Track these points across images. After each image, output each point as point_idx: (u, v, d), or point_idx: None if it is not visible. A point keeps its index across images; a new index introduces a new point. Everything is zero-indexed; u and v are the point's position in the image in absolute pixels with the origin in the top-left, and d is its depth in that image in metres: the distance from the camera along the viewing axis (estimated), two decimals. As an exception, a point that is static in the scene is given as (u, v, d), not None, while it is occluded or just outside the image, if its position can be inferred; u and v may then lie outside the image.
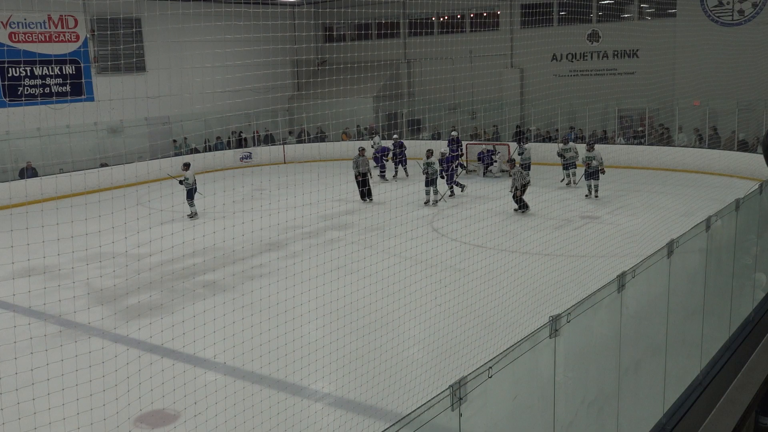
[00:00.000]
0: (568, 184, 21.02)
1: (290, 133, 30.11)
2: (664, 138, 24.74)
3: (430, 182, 19.05)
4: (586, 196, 19.30)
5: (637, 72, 26.44)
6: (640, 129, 25.50)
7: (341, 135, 29.76)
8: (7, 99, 23.95)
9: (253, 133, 29.26)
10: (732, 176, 21.02)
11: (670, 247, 6.27)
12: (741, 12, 24.14)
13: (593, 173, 19.06)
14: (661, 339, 6.43)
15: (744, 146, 22.32)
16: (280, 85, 30.51)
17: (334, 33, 34.79)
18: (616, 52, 27.24)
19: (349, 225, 16.99)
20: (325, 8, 32.08)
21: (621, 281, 5.46)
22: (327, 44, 34.14)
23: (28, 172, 22.36)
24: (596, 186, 19.18)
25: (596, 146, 19.80)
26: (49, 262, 11.20)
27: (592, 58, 27.79)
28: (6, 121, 22.81)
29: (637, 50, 26.69)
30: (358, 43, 32.81)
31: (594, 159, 19.02)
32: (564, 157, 20.81)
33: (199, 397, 7.68)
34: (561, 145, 21.39)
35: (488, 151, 23.99)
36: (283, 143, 29.10)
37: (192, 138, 27.09)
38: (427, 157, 19.44)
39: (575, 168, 20.84)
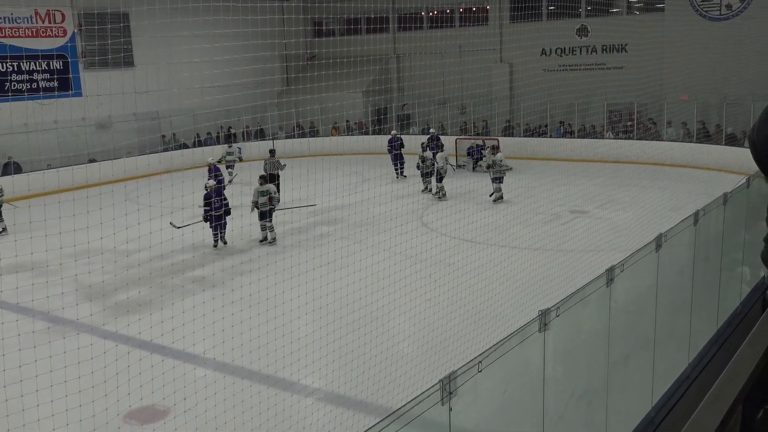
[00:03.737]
0: (496, 200, 18.93)
1: (281, 128, 30.05)
2: (652, 132, 24.84)
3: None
4: (495, 199, 18.83)
5: (626, 66, 26.50)
6: (628, 123, 25.60)
7: (331, 130, 29.72)
8: (-7, 94, 23.76)
9: (243, 128, 29.18)
10: (720, 170, 21.13)
11: (659, 242, 6.31)
12: (729, 6, 24.23)
13: (499, 177, 18.75)
14: (650, 333, 6.47)
15: (732, 140, 22.45)
16: (269, 80, 30.36)
17: (324, 28, 34.72)
18: (604, 47, 27.30)
19: (338, 220, 16.98)
20: (314, 3, 31.95)
21: (609, 275, 5.49)
22: (316, 39, 34.06)
23: (11, 167, 22.19)
24: (499, 188, 18.80)
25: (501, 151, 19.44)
26: (37, 258, 11.12)
27: (581, 52, 27.84)
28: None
29: (626, 45, 26.77)
30: (348, 37, 32.71)
31: (497, 163, 18.74)
32: (493, 170, 19.06)
33: (189, 392, 7.66)
34: (490, 154, 19.54)
35: (477, 146, 24.01)
36: (273, 138, 29.00)
37: (181, 133, 26.98)
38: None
39: (501, 183, 18.93)
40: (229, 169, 23.39)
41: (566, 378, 5.39)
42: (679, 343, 7.21)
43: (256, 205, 15.50)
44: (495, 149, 19.86)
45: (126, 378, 7.90)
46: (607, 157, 23.35)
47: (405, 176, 22.60)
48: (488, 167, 19.26)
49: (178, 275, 12.78)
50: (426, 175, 20.50)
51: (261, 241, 15.58)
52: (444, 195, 19.67)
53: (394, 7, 31.58)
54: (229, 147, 24.41)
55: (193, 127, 26.37)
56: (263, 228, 15.69)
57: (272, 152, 20.60)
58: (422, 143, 21.46)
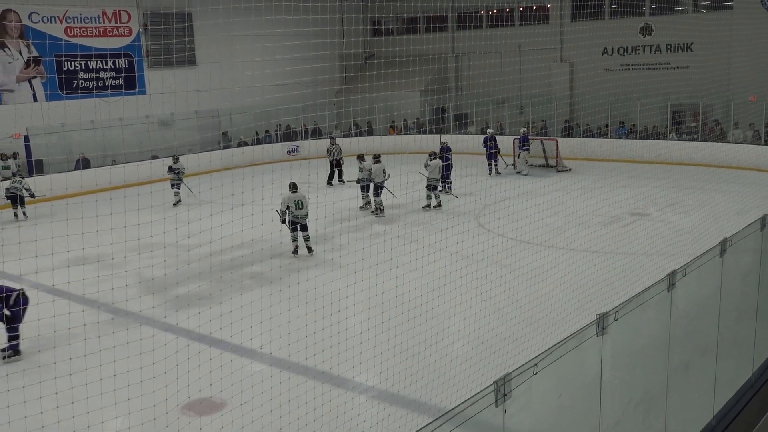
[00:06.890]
0: (433, 207, 17.90)
1: (337, 126, 30.27)
2: (717, 134, 24.15)
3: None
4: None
5: (691, 66, 25.82)
6: (693, 125, 24.94)
7: (388, 129, 29.79)
8: (64, 92, 24.61)
9: (301, 126, 29.49)
10: (789, 174, 20.44)
11: (723, 246, 6.14)
12: (801, 4, 23.39)
13: (430, 185, 17.63)
14: (712, 340, 6.31)
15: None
16: (327, 78, 30.66)
17: (382, 27, 34.84)
18: (669, 46, 26.66)
19: (394, 219, 17.01)
20: (373, 2, 32.12)
21: (671, 280, 5.37)
22: (375, 38, 34.20)
23: (81, 163, 22.95)
24: (428, 196, 17.70)
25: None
26: (103, 251, 11.48)
27: (644, 51, 27.25)
28: (63, 113, 23.46)
29: (691, 44, 26.08)
30: (406, 36, 32.77)
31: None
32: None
33: (245, 386, 7.80)
34: (428, 159, 18.13)
35: (522, 137, 23.26)
36: (331, 137, 29.26)
37: (240, 131, 27.45)
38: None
39: (433, 191, 17.67)
40: (175, 189, 19.67)
41: (624, 383, 5.29)
42: (742, 351, 7.00)
43: (284, 215, 13.97)
44: (432, 155, 18.13)
45: (185, 370, 8.09)
46: (670, 159, 22.80)
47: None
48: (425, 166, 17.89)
49: (236, 270, 13.00)
50: (365, 189, 17.92)
51: (294, 252, 14.00)
52: (382, 211, 17.32)
53: (453, 6, 31.45)
54: (175, 162, 19.97)
55: (252, 124, 26.82)
56: (294, 239, 14.06)
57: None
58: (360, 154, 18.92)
